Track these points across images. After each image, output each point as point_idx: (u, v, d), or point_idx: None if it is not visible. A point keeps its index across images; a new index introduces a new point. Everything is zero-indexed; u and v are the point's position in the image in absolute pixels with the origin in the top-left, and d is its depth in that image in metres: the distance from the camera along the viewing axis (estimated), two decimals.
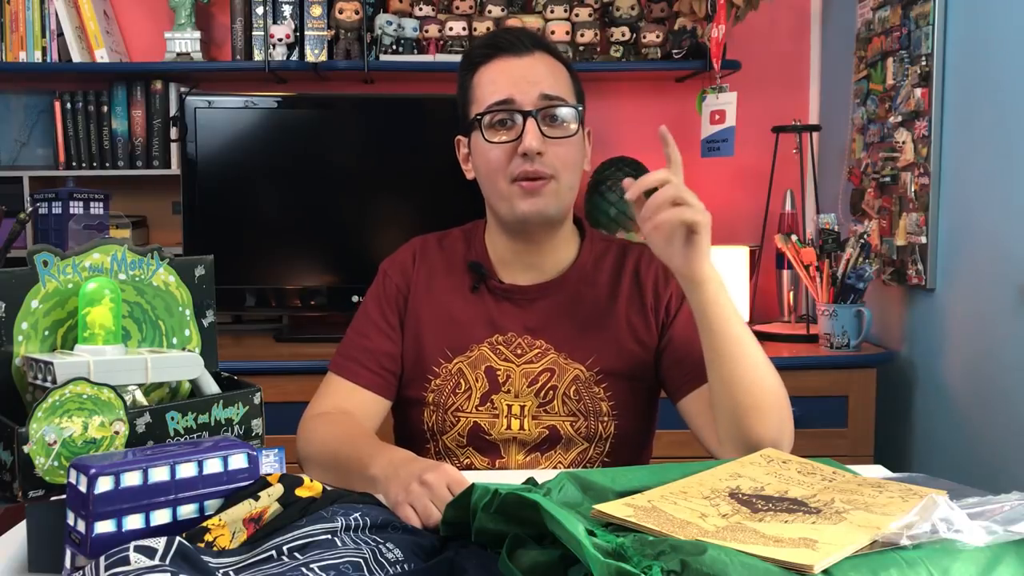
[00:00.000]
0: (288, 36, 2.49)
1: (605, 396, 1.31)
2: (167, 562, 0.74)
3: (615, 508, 0.84)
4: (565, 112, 1.28)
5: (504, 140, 1.27)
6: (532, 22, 2.51)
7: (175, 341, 1.02)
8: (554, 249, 1.35)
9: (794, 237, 2.31)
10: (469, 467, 1.31)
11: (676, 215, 1.12)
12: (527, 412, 1.30)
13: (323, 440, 1.24)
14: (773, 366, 1.23)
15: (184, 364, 0.98)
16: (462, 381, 1.31)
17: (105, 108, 2.58)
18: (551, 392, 1.30)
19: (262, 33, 2.51)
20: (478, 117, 1.28)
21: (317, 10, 2.52)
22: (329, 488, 0.95)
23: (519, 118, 1.26)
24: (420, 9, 2.53)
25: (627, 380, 1.32)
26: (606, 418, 1.31)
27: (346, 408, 1.30)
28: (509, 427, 1.30)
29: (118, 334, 0.93)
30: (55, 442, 0.85)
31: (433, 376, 1.32)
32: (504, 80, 1.28)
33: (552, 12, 2.52)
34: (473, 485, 0.84)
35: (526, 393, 1.30)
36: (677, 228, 1.13)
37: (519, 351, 1.32)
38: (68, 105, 2.57)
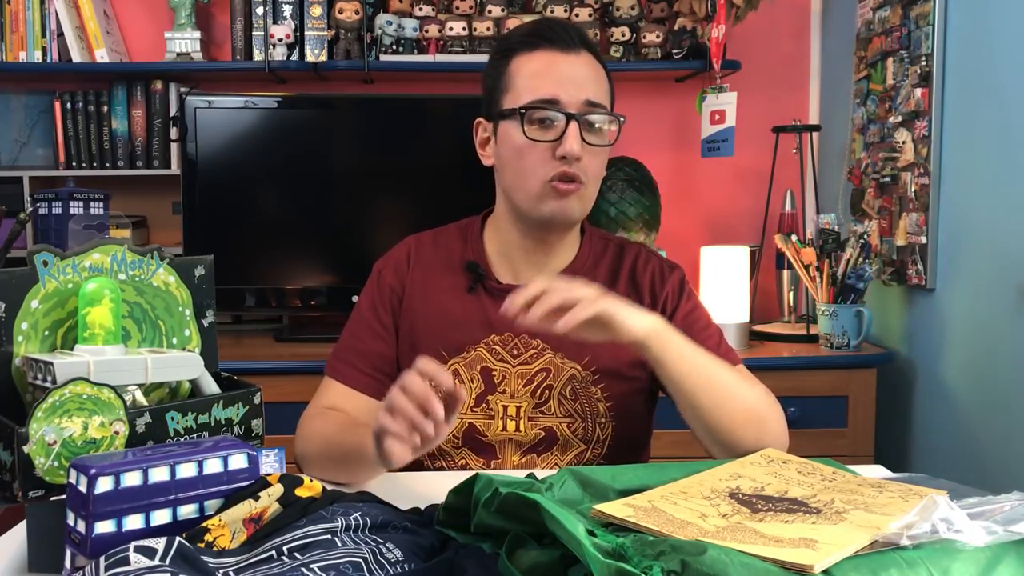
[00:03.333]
0: (288, 36, 2.49)
1: (602, 396, 1.30)
2: (167, 562, 0.74)
3: (615, 508, 0.84)
4: (605, 120, 1.26)
5: (543, 139, 1.24)
6: None
7: (175, 341, 1.02)
8: (562, 248, 1.34)
9: (794, 237, 2.31)
10: (464, 467, 1.30)
11: (574, 319, 1.05)
12: (523, 413, 1.29)
13: (321, 436, 1.24)
14: (746, 376, 1.23)
15: (184, 364, 0.98)
16: (457, 382, 1.30)
17: (105, 108, 2.58)
18: (547, 392, 1.29)
19: (262, 33, 2.51)
20: (520, 111, 1.24)
21: (317, 10, 2.52)
22: (329, 488, 0.95)
23: (561, 119, 1.23)
24: (420, 9, 2.53)
25: (624, 380, 1.31)
26: (603, 419, 1.30)
27: (343, 410, 1.30)
28: (505, 428, 1.29)
29: (118, 334, 0.93)
30: (55, 442, 0.85)
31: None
32: (550, 76, 1.24)
33: (552, 12, 2.52)
34: (477, 475, 0.84)
35: (522, 394, 1.29)
36: (586, 324, 1.06)
37: (515, 351, 1.30)
38: (68, 105, 2.57)
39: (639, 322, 1.11)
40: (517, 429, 1.29)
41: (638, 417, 1.34)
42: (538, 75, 1.25)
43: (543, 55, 1.26)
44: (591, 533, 0.75)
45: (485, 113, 1.33)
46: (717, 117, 2.47)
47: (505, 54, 1.29)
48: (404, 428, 0.98)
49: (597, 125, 1.25)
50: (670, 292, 1.33)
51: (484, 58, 1.47)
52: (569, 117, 1.23)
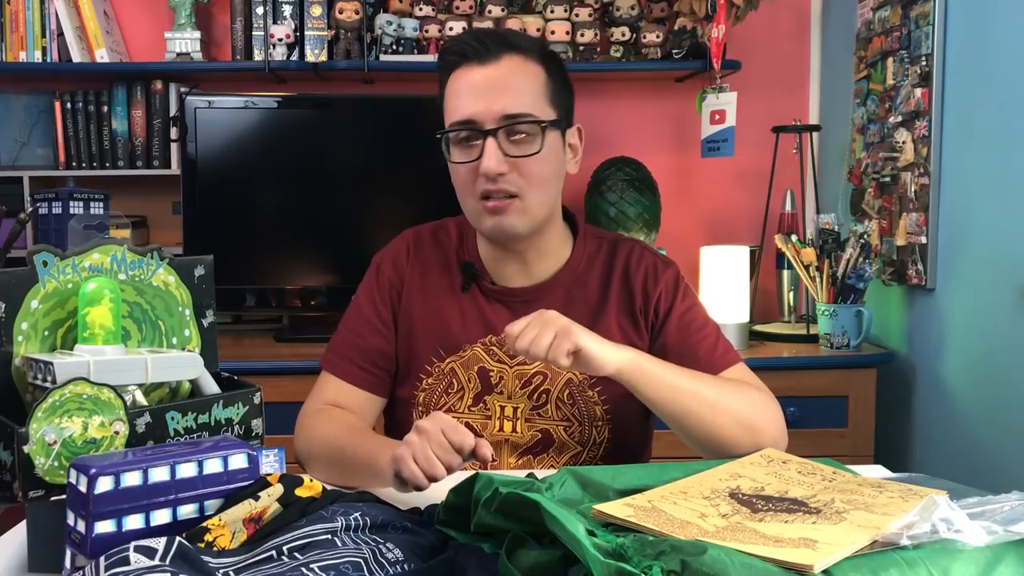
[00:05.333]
0: (288, 36, 2.49)
1: (599, 400, 1.29)
2: (167, 562, 0.74)
3: (615, 508, 0.84)
4: (529, 128, 1.22)
5: (466, 159, 1.23)
6: (532, 22, 2.51)
7: (175, 341, 1.02)
8: (540, 255, 1.31)
9: (794, 237, 2.31)
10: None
11: (546, 357, 1.09)
12: (520, 414, 1.29)
13: (325, 436, 1.23)
14: (736, 383, 1.22)
15: (184, 364, 0.98)
16: (454, 381, 1.29)
17: (105, 108, 2.58)
18: (544, 395, 1.28)
19: (262, 33, 2.51)
20: (439, 136, 1.26)
21: (317, 10, 2.52)
22: (329, 488, 0.95)
23: (480, 138, 1.22)
24: (420, 9, 2.53)
25: (621, 383, 1.30)
26: (600, 423, 1.29)
27: (343, 406, 1.29)
28: (501, 429, 1.29)
29: (118, 334, 0.93)
30: (55, 442, 0.85)
31: (425, 375, 1.30)
32: (467, 95, 1.23)
33: (552, 12, 2.52)
34: (477, 474, 0.84)
35: (519, 395, 1.29)
36: (561, 358, 1.09)
37: (512, 352, 1.28)
38: (68, 105, 2.57)
39: (610, 358, 1.12)
40: (514, 430, 1.29)
41: (635, 420, 1.33)
42: (458, 94, 1.24)
43: (464, 73, 1.24)
44: (591, 533, 0.75)
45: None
46: (717, 117, 2.46)
47: (442, 74, 1.29)
48: (424, 462, 0.99)
49: (522, 135, 1.22)
50: (664, 291, 1.31)
51: None
52: (485, 134, 1.21)
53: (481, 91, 1.22)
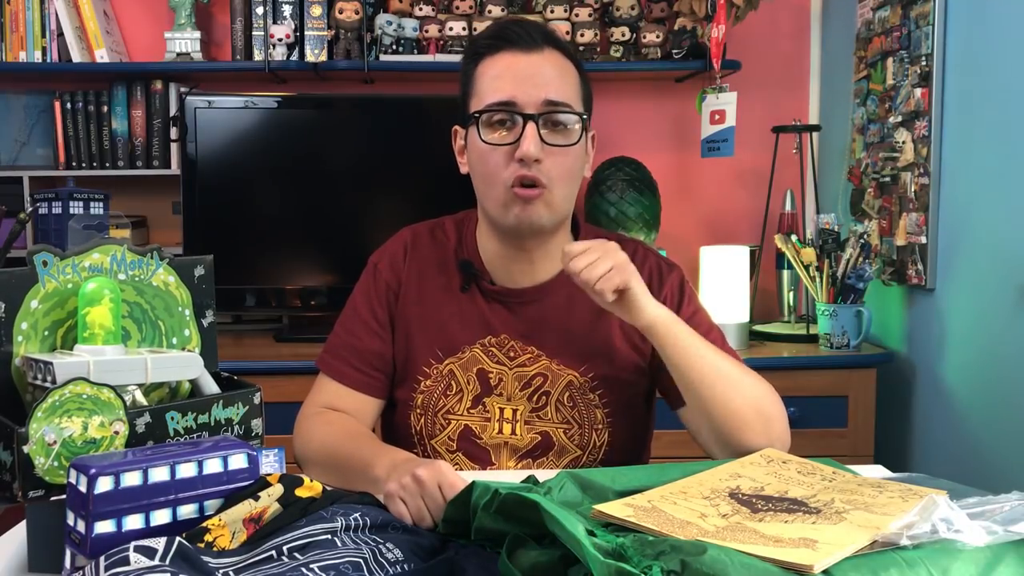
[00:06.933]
0: (288, 36, 2.49)
1: (600, 403, 1.28)
2: (167, 562, 0.74)
3: (615, 508, 0.84)
4: (569, 119, 1.22)
5: (501, 142, 1.21)
6: None
7: (175, 341, 1.02)
8: (546, 256, 1.30)
9: (794, 237, 2.31)
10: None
11: (595, 285, 1.14)
12: (519, 416, 1.28)
13: (322, 440, 1.22)
14: (750, 372, 1.22)
15: (184, 364, 0.98)
16: (453, 383, 1.28)
17: (105, 108, 2.58)
18: (544, 398, 1.28)
19: (262, 33, 2.51)
20: (476, 115, 1.23)
21: (317, 10, 2.52)
22: (329, 488, 0.95)
23: (519, 120, 1.20)
24: (420, 9, 2.53)
25: (622, 386, 1.29)
26: (600, 426, 1.28)
27: (341, 409, 1.29)
28: (500, 431, 1.28)
29: (118, 334, 0.93)
30: (55, 442, 0.85)
31: (423, 377, 1.29)
32: (508, 77, 1.22)
33: (552, 12, 2.52)
34: (473, 483, 0.84)
35: (518, 397, 1.28)
36: (608, 291, 1.14)
37: (512, 354, 1.28)
38: (68, 105, 2.57)
39: (649, 309, 1.16)
40: (513, 432, 1.28)
41: (636, 423, 1.33)
42: (497, 77, 1.23)
43: (504, 57, 1.24)
44: (591, 533, 0.75)
45: (459, 119, 1.31)
46: (717, 117, 2.46)
47: (472, 59, 1.28)
48: (414, 511, 0.98)
49: (561, 124, 1.22)
50: (669, 294, 1.31)
51: None
52: (526, 118, 1.20)
53: (524, 76, 1.22)
